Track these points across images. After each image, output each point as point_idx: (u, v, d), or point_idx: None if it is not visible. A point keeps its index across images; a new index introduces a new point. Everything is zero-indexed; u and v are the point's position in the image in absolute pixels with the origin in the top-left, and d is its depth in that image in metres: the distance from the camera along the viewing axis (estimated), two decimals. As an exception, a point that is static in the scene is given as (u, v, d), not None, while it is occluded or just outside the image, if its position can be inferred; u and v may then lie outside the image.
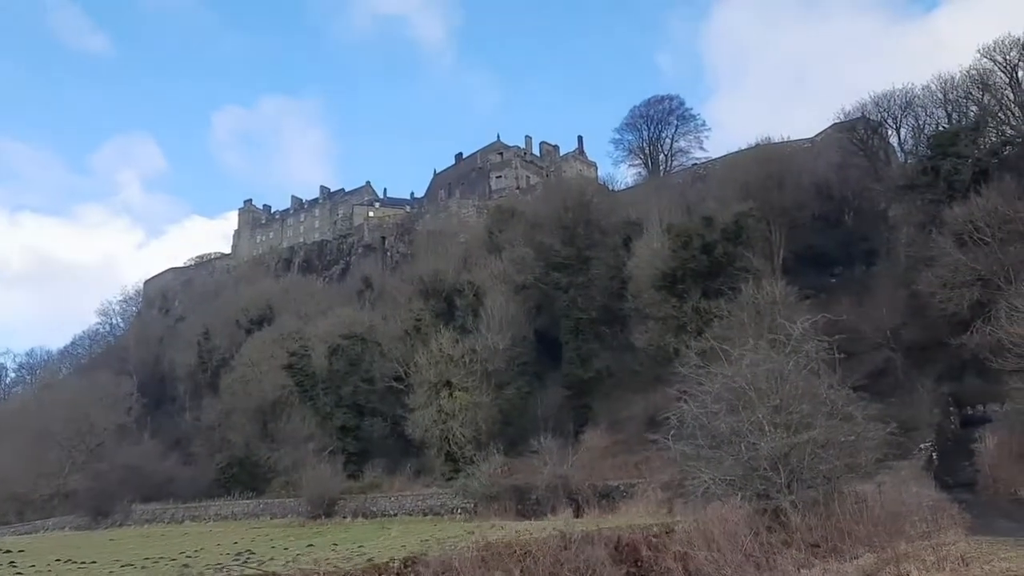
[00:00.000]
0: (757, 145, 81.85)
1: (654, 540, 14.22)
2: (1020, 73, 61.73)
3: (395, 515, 51.03)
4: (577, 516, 41.06)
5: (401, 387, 62.79)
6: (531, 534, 14.12)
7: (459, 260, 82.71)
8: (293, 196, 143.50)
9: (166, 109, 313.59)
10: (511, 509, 45.75)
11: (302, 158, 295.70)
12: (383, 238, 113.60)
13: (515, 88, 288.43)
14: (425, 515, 50.20)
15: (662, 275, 57.64)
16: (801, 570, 15.16)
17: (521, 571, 10.39)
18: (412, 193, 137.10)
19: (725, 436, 20.39)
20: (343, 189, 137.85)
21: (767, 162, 72.57)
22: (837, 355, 54.80)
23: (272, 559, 25.58)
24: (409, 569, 9.65)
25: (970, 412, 46.21)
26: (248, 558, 26.98)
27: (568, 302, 66.75)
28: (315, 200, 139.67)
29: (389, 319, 73.36)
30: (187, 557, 29.68)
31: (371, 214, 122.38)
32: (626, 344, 62.62)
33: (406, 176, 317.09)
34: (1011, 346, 31.66)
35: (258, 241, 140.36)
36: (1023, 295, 31.08)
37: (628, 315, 63.48)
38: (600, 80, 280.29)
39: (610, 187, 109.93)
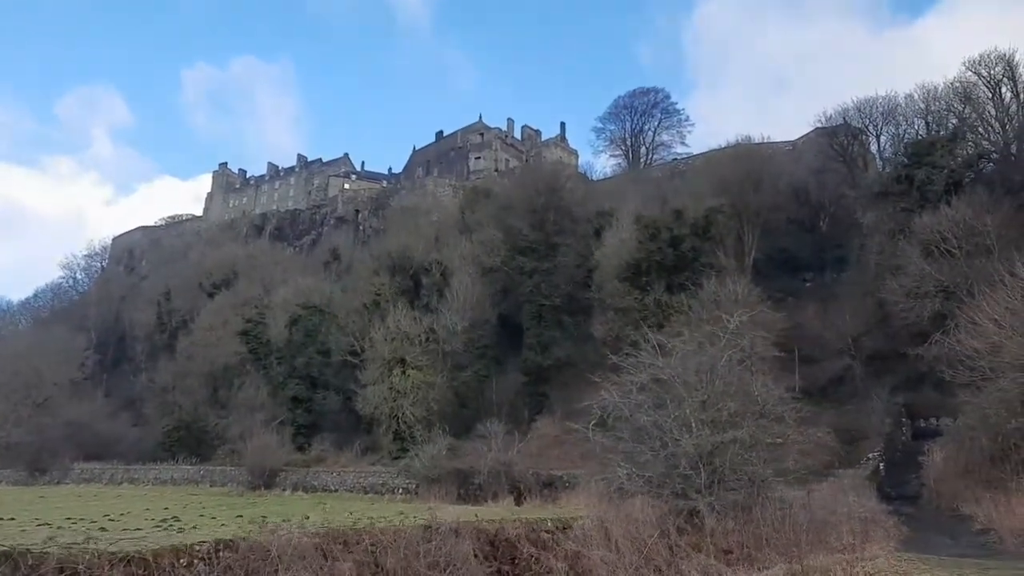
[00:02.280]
0: (737, 144, 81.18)
1: (545, 536, 13.11)
2: (1004, 89, 61.16)
3: (336, 491, 50.19)
4: (518, 504, 40.33)
5: (357, 362, 61.58)
6: (416, 519, 13.00)
7: (430, 239, 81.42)
8: (269, 163, 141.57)
9: (132, 62, 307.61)
10: (452, 493, 44.99)
11: (277, 124, 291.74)
12: (356, 211, 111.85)
13: (497, 69, 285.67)
14: (366, 493, 49.39)
15: (627, 266, 56.68)
16: (703, 577, 14.21)
17: (363, 564, 9.22)
18: (390, 168, 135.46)
19: (647, 430, 19.39)
20: (321, 159, 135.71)
21: (745, 161, 71.80)
22: (797, 359, 55.29)
23: (195, 528, 24.44)
24: (220, 554, 8.46)
25: (923, 424, 45.67)
26: (171, 525, 25.89)
27: (532, 287, 65.58)
28: (291, 168, 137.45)
29: (350, 292, 71.94)
30: (109, 520, 28.41)
31: (347, 186, 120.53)
32: (587, 334, 61.71)
33: (386, 151, 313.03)
34: (964, 358, 30.86)
35: (231, 206, 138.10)
36: (982, 308, 30.22)
37: (592, 305, 62.54)
38: (581, 66, 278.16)
39: (588, 176, 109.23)
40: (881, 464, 39.56)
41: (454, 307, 64.93)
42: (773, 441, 19.74)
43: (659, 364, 20.51)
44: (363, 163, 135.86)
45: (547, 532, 13.39)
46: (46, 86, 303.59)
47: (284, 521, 13.62)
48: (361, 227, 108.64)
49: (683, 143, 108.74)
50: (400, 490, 48.10)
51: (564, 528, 14.01)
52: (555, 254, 67.37)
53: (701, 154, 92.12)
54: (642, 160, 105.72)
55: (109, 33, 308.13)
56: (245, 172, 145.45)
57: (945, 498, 31.84)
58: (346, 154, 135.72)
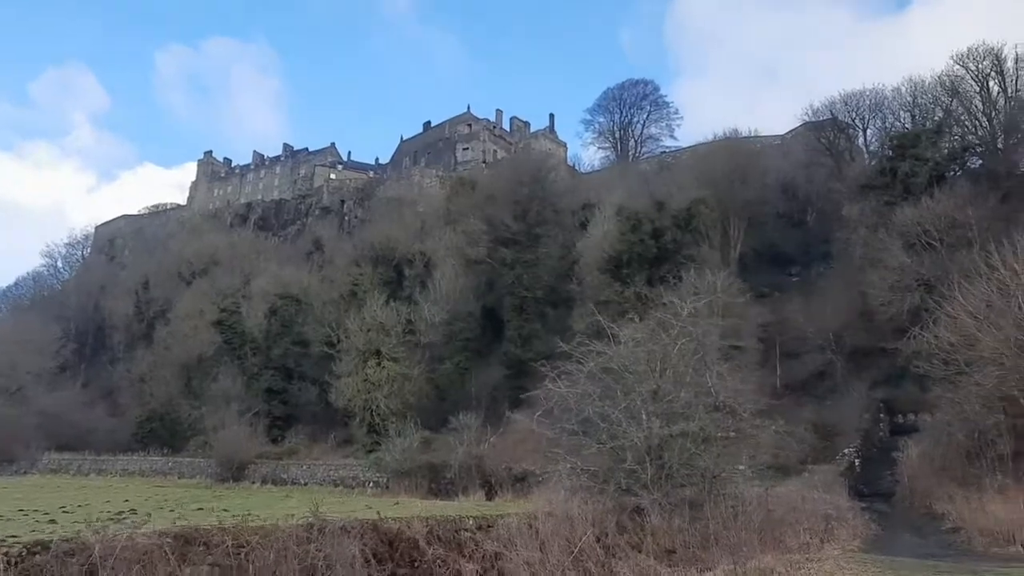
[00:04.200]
0: (725, 138, 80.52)
1: (464, 535, 12.16)
2: (991, 83, 60.34)
3: (305, 484, 49.36)
4: (489, 498, 39.59)
5: (333, 353, 60.61)
6: (354, 515, 12.04)
7: (414, 229, 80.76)
8: (255, 152, 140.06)
9: (104, 42, 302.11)
10: (423, 487, 44.20)
11: (261, 112, 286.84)
12: (342, 201, 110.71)
13: (486, 59, 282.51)
14: (336, 486, 48.57)
15: (609, 258, 55.79)
16: (636, 579, 13.30)
17: (223, 568, 8.27)
18: (377, 159, 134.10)
19: (593, 422, 18.48)
20: (307, 149, 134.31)
21: (733, 155, 71.27)
22: (778, 353, 54.55)
23: (146, 522, 23.61)
24: (33, 557, 7.50)
25: (901, 420, 44.91)
26: (125, 518, 25.08)
27: (513, 279, 64.65)
28: (277, 158, 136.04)
29: (329, 282, 71.00)
30: (63, 512, 27.56)
31: (332, 176, 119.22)
32: (569, 327, 60.84)
33: (374, 142, 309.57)
34: (940, 352, 30.04)
35: (215, 194, 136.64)
36: (959, 301, 29.38)
37: (574, 298, 61.69)
38: (568, 56, 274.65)
39: (576, 168, 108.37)
40: (857, 460, 38.84)
41: (436, 299, 64.13)
42: (726, 435, 18.83)
43: (608, 353, 19.59)
44: (350, 153, 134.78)
45: (466, 531, 12.43)
46: (17, 65, 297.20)
47: (230, 513, 12.78)
48: (346, 217, 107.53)
49: (672, 136, 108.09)
50: (371, 484, 47.29)
51: (488, 527, 13.06)
52: (538, 246, 66.51)
53: (689, 147, 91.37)
54: (631, 153, 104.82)
55: (79, 10, 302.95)
56: (230, 161, 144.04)
57: (919, 496, 31.10)
58: (333, 144, 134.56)
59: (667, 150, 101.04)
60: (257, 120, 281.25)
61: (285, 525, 9.53)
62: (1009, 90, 58.52)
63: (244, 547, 8.70)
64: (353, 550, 9.65)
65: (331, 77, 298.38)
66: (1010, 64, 57.94)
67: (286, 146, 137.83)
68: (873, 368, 49.35)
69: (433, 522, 12.01)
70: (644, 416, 18.02)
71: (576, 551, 13.59)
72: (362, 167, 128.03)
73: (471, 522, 12.99)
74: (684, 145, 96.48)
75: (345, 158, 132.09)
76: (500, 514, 14.27)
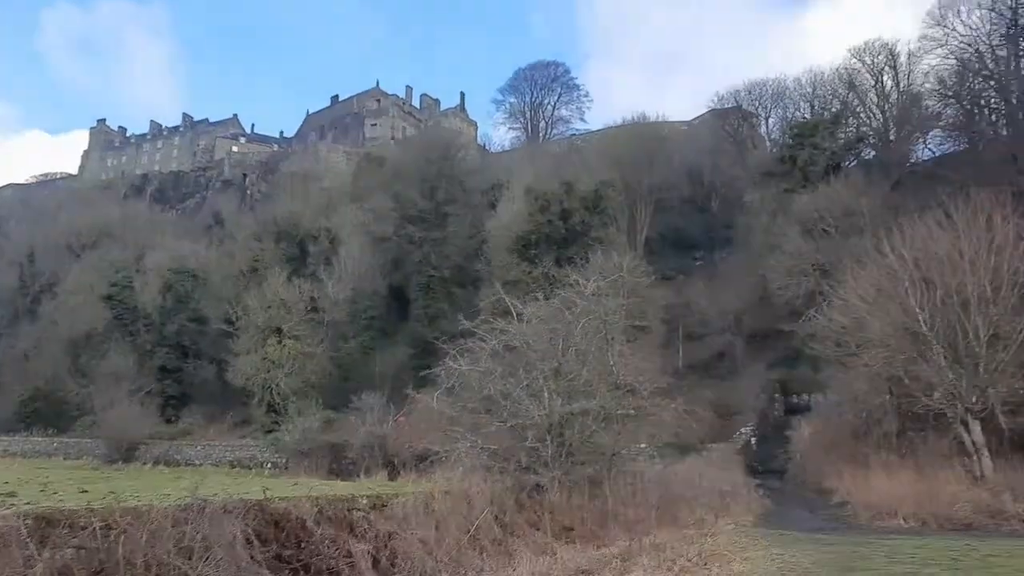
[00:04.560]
0: (635, 122, 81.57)
1: (357, 515, 11.73)
2: (885, 77, 62.82)
3: (200, 465, 47.79)
4: (392, 479, 39.04)
5: (232, 330, 58.68)
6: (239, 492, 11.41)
7: (320, 205, 79.03)
8: (152, 121, 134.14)
9: None
10: (324, 467, 43.39)
11: (156, 79, 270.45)
12: (244, 175, 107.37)
13: (396, 33, 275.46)
14: (233, 467, 47.28)
15: (517, 238, 55.69)
16: (533, 556, 13.13)
17: (89, 552, 7.63)
18: (282, 132, 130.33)
19: (494, 400, 18.27)
20: (208, 120, 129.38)
21: (641, 139, 72.32)
22: (681, 335, 55.71)
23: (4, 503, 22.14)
24: None
25: (795, 400, 46.51)
26: (4, 501, 23.46)
27: (421, 258, 64.08)
28: (176, 128, 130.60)
29: (226, 257, 68.68)
30: (-73, 496, 25.64)
31: (235, 149, 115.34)
32: (477, 307, 60.57)
33: (279, 115, 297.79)
34: (832, 335, 31.05)
35: (109, 164, 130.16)
36: (850, 285, 30.37)
37: (482, 277, 61.47)
38: (479, 34, 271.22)
39: (487, 148, 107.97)
40: (753, 439, 40.00)
41: (340, 276, 62.88)
42: (626, 413, 18.90)
43: (511, 330, 19.38)
44: (253, 126, 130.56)
45: (359, 511, 11.98)
46: None
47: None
48: (248, 191, 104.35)
49: (582, 119, 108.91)
50: (269, 464, 46.26)
51: (382, 506, 12.64)
52: (446, 224, 65.99)
53: (599, 131, 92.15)
54: (541, 134, 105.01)
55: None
56: (125, 130, 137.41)
57: (809, 472, 32.19)
58: (235, 115, 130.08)
59: (577, 132, 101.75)
60: (154, 88, 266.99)
61: (161, 506, 8.89)
62: (901, 84, 61.09)
63: (114, 528, 8.04)
64: (234, 531, 9.09)
65: (233, 45, 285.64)
66: (903, 59, 60.44)
67: (186, 116, 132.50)
68: (770, 350, 50.96)
69: (324, 502, 11.50)
70: (546, 394, 17.90)
71: (473, 530, 13.35)
72: (266, 140, 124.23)
73: (364, 501, 12.52)
74: (594, 128, 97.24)
75: (248, 130, 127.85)
76: (395, 493, 13.87)
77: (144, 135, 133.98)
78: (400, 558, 11.57)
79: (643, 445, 26.64)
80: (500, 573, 11.94)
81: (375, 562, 11.16)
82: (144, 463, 48.87)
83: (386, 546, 11.54)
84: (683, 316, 56.22)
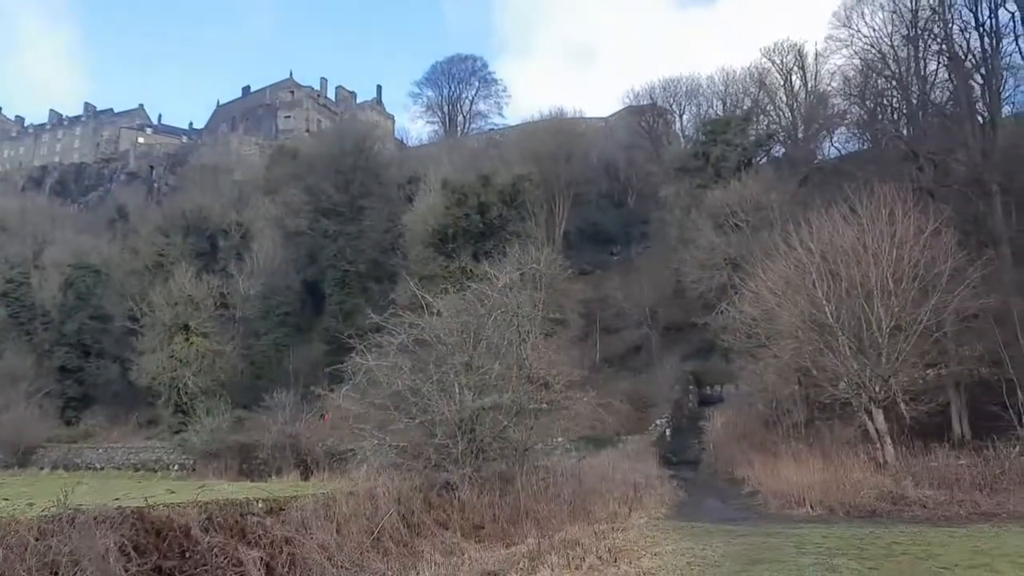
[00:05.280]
0: (552, 118, 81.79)
1: (252, 520, 11.05)
2: (794, 77, 64.48)
3: (101, 468, 45.82)
4: (304, 479, 38.03)
5: (137, 328, 56.29)
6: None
7: (231, 199, 76.61)
8: (52, 110, 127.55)
9: None
10: (233, 468, 42.00)
11: (54, 67, 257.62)
12: (151, 167, 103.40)
13: (310, 23, 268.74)
14: (137, 470, 45.46)
15: (434, 232, 55.00)
16: (441, 557, 12.67)
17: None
18: (191, 123, 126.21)
19: (403, 396, 17.74)
20: (112, 110, 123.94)
21: (558, 134, 72.47)
22: (598, 328, 56.06)
23: None
24: None
25: (708, 391, 47.37)
26: None
27: (336, 252, 62.78)
28: (78, 118, 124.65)
29: (130, 252, 65.88)
30: None
31: (141, 140, 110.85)
32: (393, 302, 59.65)
33: (187, 105, 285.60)
34: (743, 327, 31.55)
35: (6, 155, 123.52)
36: (760, 278, 30.88)
37: (398, 272, 60.58)
38: (395, 27, 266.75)
39: (404, 142, 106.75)
40: (668, 430, 40.41)
41: (252, 271, 61.06)
42: (538, 407, 18.61)
43: (421, 324, 18.85)
44: (160, 116, 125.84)
45: (254, 515, 11.30)
46: None
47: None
48: (156, 184, 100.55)
49: (500, 114, 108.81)
50: (176, 466, 44.56)
51: (280, 509, 11.97)
52: (362, 218, 64.79)
53: (517, 125, 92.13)
54: (459, 129, 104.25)
55: None
56: (23, 119, 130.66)
57: (722, 462, 32.64)
58: (141, 105, 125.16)
59: (496, 127, 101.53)
60: (53, 76, 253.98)
61: (24, 517, 8.08)
62: (809, 84, 62.79)
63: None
64: (107, 542, 8.34)
65: (138, 32, 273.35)
66: (811, 60, 62.11)
67: (88, 106, 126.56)
68: (685, 342, 51.76)
69: (213, 507, 10.77)
70: (457, 389, 17.44)
71: (377, 531, 12.80)
72: (174, 131, 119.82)
73: (260, 505, 11.82)
74: (513, 123, 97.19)
75: (155, 121, 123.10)
76: (294, 496, 13.18)
77: (43, 125, 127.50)
78: (297, 564, 10.95)
79: (560, 439, 26.48)
80: (403, 577, 11.47)
81: (269, 570, 10.51)
82: (41, 468, 46.50)
83: (282, 552, 10.89)
84: (600, 310, 56.69)
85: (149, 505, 9.88)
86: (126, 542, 8.71)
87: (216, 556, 9.79)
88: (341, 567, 11.56)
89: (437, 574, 11.47)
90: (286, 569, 10.82)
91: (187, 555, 9.50)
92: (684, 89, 76.88)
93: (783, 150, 61.29)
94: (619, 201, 76.90)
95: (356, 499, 13.53)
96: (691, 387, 48.06)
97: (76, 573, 7.84)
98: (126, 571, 8.41)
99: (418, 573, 11.69)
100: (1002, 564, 9.99)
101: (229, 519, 10.76)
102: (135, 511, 9.43)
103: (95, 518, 8.59)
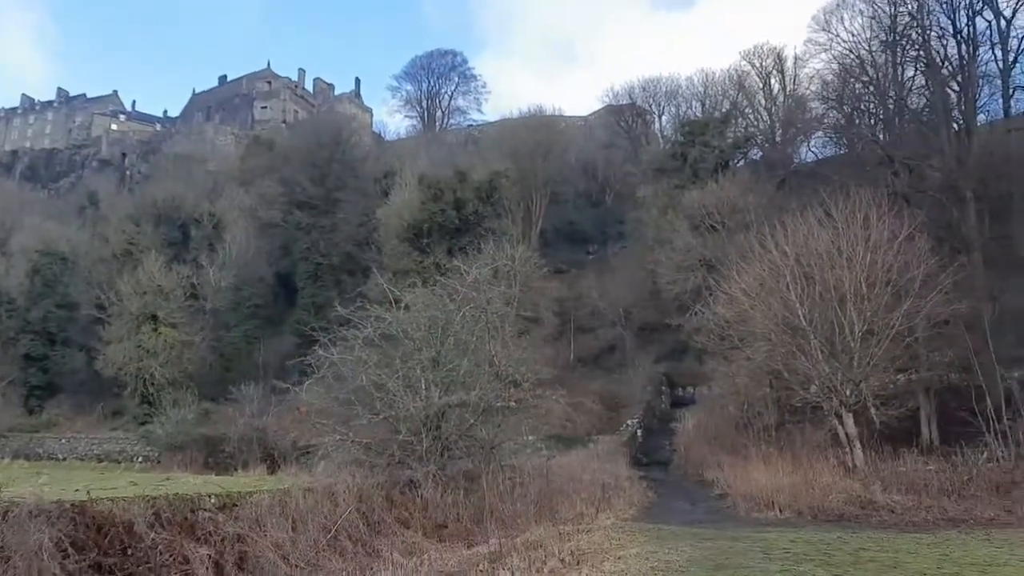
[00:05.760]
0: (531, 115, 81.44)
1: (204, 516, 10.64)
2: (773, 80, 64.73)
3: (64, 459, 45.01)
4: (271, 473, 37.57)
5: (104, 316, 55.33)
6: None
7: (204, 188, 75.57)
8: (23, 95, 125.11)
9: None
10: (199, 461, 41.41)
11: (26, 51, 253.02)
12: (124, 154, 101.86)
13: (289, 13, 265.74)
14: (100, 461, 44.72)
15: (409, 226, 54.48)
16: (400, 557, 12.31)
17: None
18: (166, 112, 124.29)
19: (367, 391, 17.34)
20: (85, 95, 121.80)
21: (537, 132, 72.01)
22: (572, 327, 55.88)
23: None
24: None
25: (680, 392, 47.33)
26: None
27: (309, 245, 62.25)
28: (50, 103, 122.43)
29: (99, 239, 64.75)
30: None
31: (114, 127, 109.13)
32: (366, 296, 59.09)
33: (163, 93, 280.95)
34: (716, 328, 31.44)
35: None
36: (734, 280, 30.79)
37: (372, 266, 60.02)
38: (374, 20, 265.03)
39: (382, 136, 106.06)
40: (639, 430, 40.25)
41: (224, 262, 60.20)
42: (506, 405, 18.27)
43: (388, 318, 18.45)
44: (134, 103, 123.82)
45: (205, 511, 10.88)
46: None
47: None
48: (128, 172, 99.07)
49: (479, 110, 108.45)
50: (140, 458, 43.88)
51: (233, 505, 11.55)
52: (336, 211, 64.24)
53: (496, 122, 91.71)
54: (437, 124, 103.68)
55: None
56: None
57: (692, 464, 32.49)
58: (115, 92, 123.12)
59: (475, 123, 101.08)
60: (25, 59, 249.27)
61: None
62: (788, 87, 63.03)
63: None
64: (42, 538, 7.90)
65: (113, 17, 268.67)
66: (790, 64, 62.34)
67: (60, 91, 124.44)
68: (658, 343, 51.69)
69: (162, 502, 10.33)
70: (423, 385, 17.07)
71: (335, 530, 12.41)
72: (148, 119, 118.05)
73: (212, 501, 11.39)
74: (492, 120, 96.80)
75: (129, 108, 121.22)
76: (251, 491, 12.74)
77: (14, 109, 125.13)
78: (248, 563, 10.54)
79: (531, 438, 26.19)
80: (358, 578, 11.08)
81: (218, 568, 10.09)
82: (1, 457, 45.46)
83: (233, 550, 10.47)
84: (575, 309, 56.51)
85: (91, 499, 9.43)
86: (63, 537, 8.28)
87: (161, 553, 9.37)
88: (295, 566, 11.17)
89: (395, 575, 11.13)
90: (236, 568, 10.41)
91: (129, 552, 9.07)
92: (664, 89, 77.05)
93: (760, 153, 61.43)
94: (596, 200, 76.82)
95: (314, 496, 13.13)
96: (664, 388, 47.98)
97: (6, 571, 7.39)
98: (62, 568, 7.98)
99: (375, 573, 11.33)
100: (971, 573, 9.81)
101: (178, 515, 10.33)
102: (75, 505, 8.99)
103: (30, 512, 8.14)
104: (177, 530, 10.02)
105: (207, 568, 9.81)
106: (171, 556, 9.46)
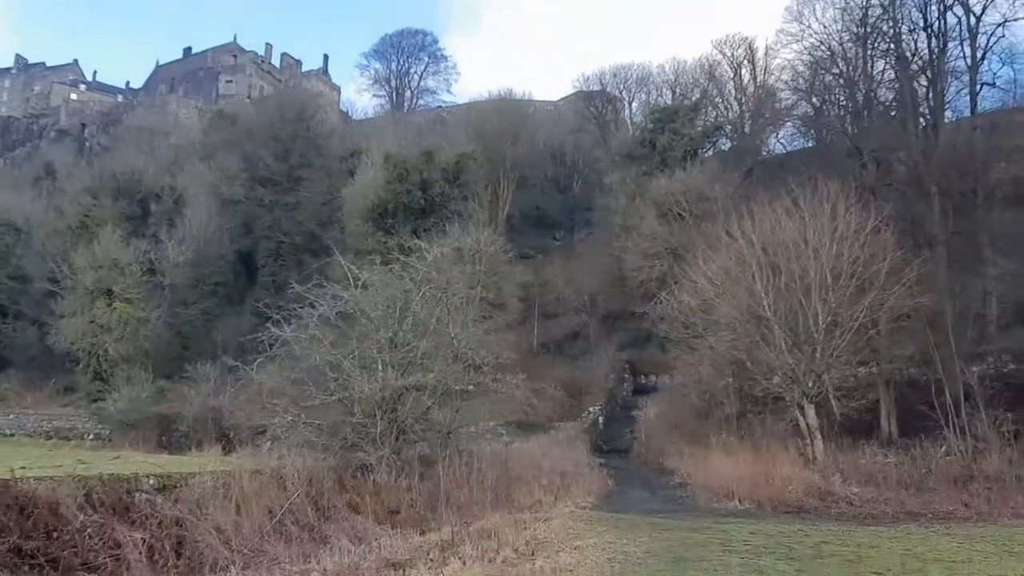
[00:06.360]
0: (501, 98, 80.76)
1: (140, 498, 10.08)
2: (744, 70, 64.76)
3: (11, 435, 43.82)
4: (227, 453, 36.89)
5: (58, 290, 53.81)
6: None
7: (166, 162, 73.96)
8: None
9: None
10: (152, 440, 40.46)
11: None
12: (83, 125, 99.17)
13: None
14: (49, 438, 43.60)
15: (373, 206, 53.58)
16: (349, 544, 11.82)
17: None
18: (128, 83, 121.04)
19: (321, 371, 16.80)
20: (44, 63, 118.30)
21: (506, 115, 71.41)
22: (537, 313, 55.56)
23: None
24: None
25: (643, 380, 47.21)
26: None
27: (271, 222, 61.10)
28: (7, 70, 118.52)
29: (54, 211, 63.07)
30: None
31: (73, 96, 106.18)
32: (328, 276, 58.22)
33: (125, 64, 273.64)
34: (681, 316, 31.25)
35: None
36: (700, 268, 30.59)
37: (335, 246, 59.07)
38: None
39: (349, 115, 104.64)
40: (601, 418, 40.07)
41: (184, 238, 58.85)
42: (465, 388, 17.83)
43: (345, 296, 17.88)
44: (95, 73, 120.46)
45: (143, 493, 10.32)
46: None
47: None
48: (87, 143, 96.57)
49: (449, 91, 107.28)
50: (91, 436, 42.85)
51: (173, 487, 10.98)
52: (300, 188, 63.07)
53: (466, 104, 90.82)
54: (406, 104, 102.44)
55: None
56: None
57: (653, 452, 32.38)
58: (75, 61, 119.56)
59: (444, 104, 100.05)
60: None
61: None
62: (759, 78, 63.07)
63: None
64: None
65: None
66: (760, 55, 62.35)
67: (19, 57, 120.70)
68: (623, 331, 51.55)
69: (95, 482, 9.74)
70: (379, 366, 16.55)
71: (280, 514, 11.90)
72: (110, 90, 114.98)
73: (151, 482, 10.81)
74: (461, 102, 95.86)
75: (90, 78, 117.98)
76: (195, 472, 12.17)
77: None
78: (187, 548, 9.99)
79: (492, 423, 25.81)
80: (301, 565, 10.58)
81: (153, 553, 9.53)
82: (-57, 433, 44.17)
83: (170, 534, 9.91)
84: (540, 295, 56.08)
85: (15, 478, 8.81)
86: (-26, 521, 7.69)
87: (90, 537, 8.80)
88: (237, 551, 10.65)
89: (340, 563, 10.63)
90: (173, 553, 9.87)
91: (54, 535, 8.49)
92: (635, 76, 76.91)
93: (729, 143, 61.52)
94: (564, 186, 76.54)
95: (261, 478, 12.59)
96: (627, 376, 47.82)
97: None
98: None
99: (318, 560, 10.85)
100: (936, 569, 9.59)
101: (112, 496, 9.75)
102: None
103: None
104: (109, 513, 9.44)
105: (140, 553, 9.25)
106: (100, 540, 8.90)
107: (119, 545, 9.05)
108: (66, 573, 8.31)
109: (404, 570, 9.94)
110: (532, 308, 54.56)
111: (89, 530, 8.87)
